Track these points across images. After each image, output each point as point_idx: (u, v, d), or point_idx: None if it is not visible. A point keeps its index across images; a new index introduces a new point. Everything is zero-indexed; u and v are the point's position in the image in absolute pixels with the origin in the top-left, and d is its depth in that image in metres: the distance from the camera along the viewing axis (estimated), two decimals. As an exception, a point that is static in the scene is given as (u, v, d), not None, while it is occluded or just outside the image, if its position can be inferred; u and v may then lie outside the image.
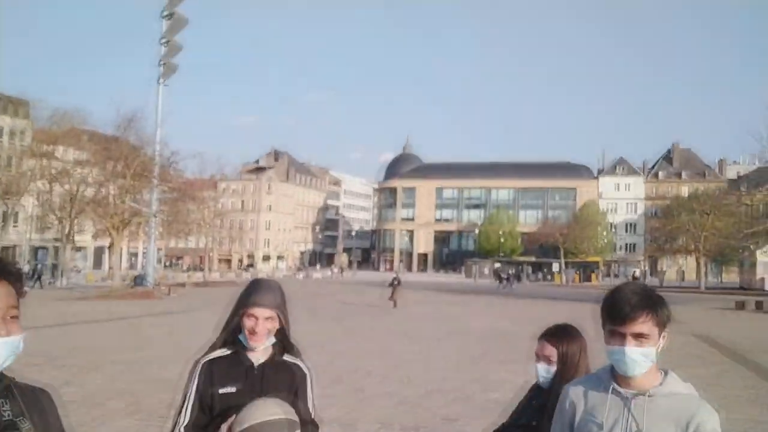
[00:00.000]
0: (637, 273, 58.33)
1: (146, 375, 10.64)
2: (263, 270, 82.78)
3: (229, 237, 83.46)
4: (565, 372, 2.47)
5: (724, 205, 59.40)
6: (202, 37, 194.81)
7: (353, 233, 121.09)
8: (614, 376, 1.99)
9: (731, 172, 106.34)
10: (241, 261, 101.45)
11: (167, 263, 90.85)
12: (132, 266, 70.20)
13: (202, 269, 70.01)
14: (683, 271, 71.02)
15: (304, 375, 2.59)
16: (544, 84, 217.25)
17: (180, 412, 2.47)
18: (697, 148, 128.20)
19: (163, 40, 36.37)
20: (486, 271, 78.79)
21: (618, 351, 1.90)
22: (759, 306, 29.68)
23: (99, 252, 70.15)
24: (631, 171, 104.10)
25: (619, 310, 1.90)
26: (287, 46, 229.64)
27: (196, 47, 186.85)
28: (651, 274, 77.94)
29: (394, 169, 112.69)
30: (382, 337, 16.74)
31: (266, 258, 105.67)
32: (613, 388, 1.96)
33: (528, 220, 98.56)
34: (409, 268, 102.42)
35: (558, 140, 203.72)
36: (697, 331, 18.76)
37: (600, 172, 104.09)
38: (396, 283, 28.48)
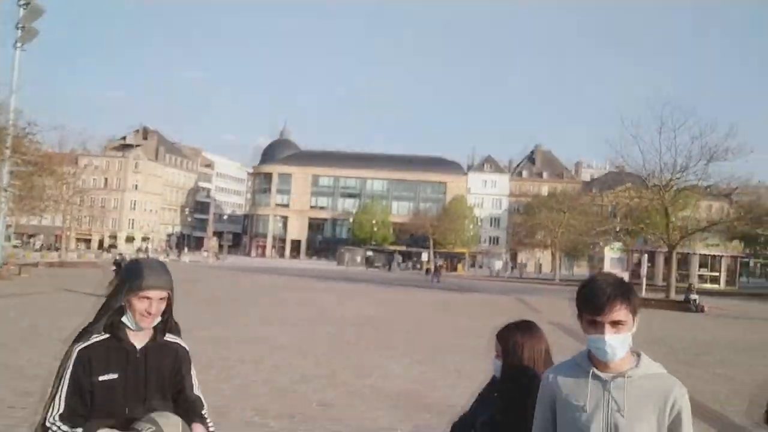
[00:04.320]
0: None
1: (-7, 361, 9.72)
2: (127, 251, 78.53)
3: (89, 216, 78.26)
4: (510, 364, 2.57)
5: (579, 204, 64.14)
6: (67, 3, 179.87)
7: (225, 217, 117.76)
8: (592, 361, 2.06)
9: (586, 175, 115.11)
10: (102, 241, 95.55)
11: (18, 241, 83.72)
12: (-26, 244, 64.05)
13: (57, 249, 65.23)
14: (540, 264, 75.84)
15: (186, 352, 2.60)
16: (420, 81, 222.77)
17: (52, 400, 2.32)
18: (557, 151, 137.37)
19: (22, 1, 33.16)
20: (358, 258, 79.84)
21: (598, 339, 1.98)
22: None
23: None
24: (498, 169, 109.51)
25: (597, 301, 1.99)
26: (162, 20, 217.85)
27: (59, 12, 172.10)
28: (512, 266, 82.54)
29: (270, 154, 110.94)
30: (253, 323, 16.43)
31: (130, 239, 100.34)
32: (593, 373, 2.04)
33: (400, 211, 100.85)
34: (282, 254, 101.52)
35: (430, 136, 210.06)
36: (554, 320, 20.05)
37: (469, 168, 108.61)
38: (118, 267, 21.03)
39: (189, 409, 2.48)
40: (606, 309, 1.96)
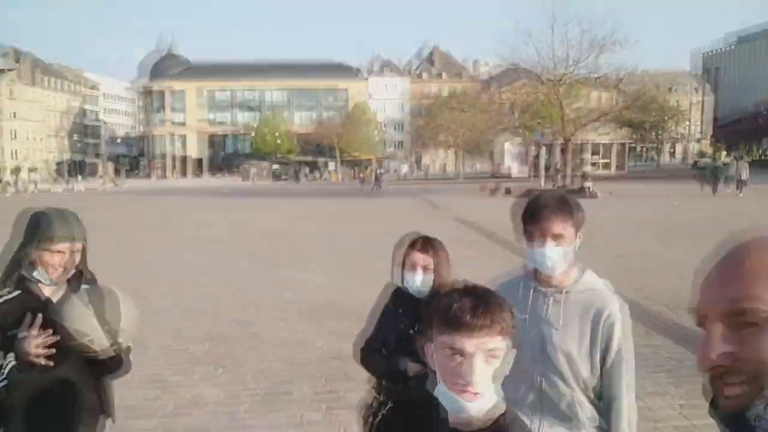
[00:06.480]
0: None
1: None
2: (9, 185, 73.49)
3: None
4: (440, 280, 2.54)
5: (479, 103, 65.21)
6: None
7: (118, 140, 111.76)
8: (536, 277, 2.12)
9: (484, 73, 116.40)
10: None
11: None
12: None
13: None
14: (445, 164, 77.38)
15: (117, 298, 2.49)
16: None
17: None
18: (455, 52, 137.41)
19: None
20: (264, 172, 78.62)
21: (539, 252, 2.03)
22: (508, 191, 33.62)
23: None
24: (398, 72, 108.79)
25: (540, 214, 2.02)
26: None
27: None
28: (418, 168, 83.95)
29: (159, 70, 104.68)
30: (165, 247, 16.01)
31: (15, 171, 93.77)
32: (535, 287, 2.10)
33: (302, 121, 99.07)
34: (184, 174, 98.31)
35: (328, 42, 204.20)
36: (458, 216, 20.79)
37: (369, 73, 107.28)
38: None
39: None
40: (547, 222, 2.01)
